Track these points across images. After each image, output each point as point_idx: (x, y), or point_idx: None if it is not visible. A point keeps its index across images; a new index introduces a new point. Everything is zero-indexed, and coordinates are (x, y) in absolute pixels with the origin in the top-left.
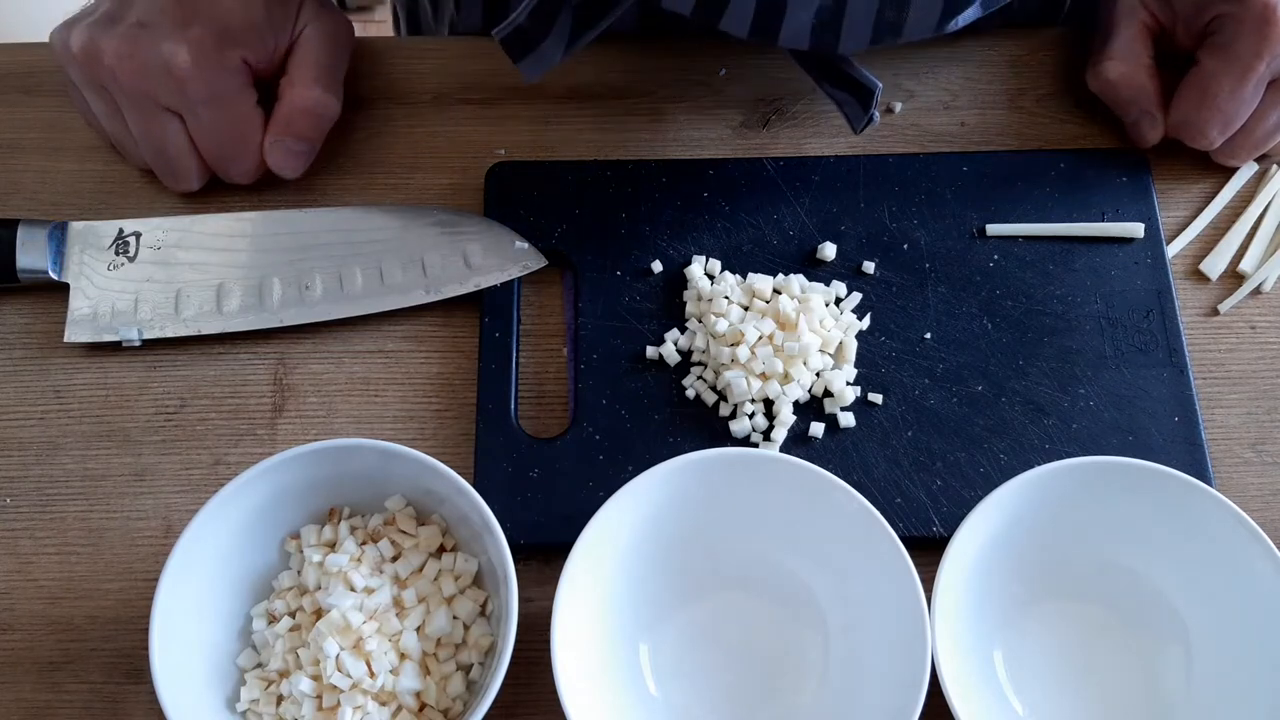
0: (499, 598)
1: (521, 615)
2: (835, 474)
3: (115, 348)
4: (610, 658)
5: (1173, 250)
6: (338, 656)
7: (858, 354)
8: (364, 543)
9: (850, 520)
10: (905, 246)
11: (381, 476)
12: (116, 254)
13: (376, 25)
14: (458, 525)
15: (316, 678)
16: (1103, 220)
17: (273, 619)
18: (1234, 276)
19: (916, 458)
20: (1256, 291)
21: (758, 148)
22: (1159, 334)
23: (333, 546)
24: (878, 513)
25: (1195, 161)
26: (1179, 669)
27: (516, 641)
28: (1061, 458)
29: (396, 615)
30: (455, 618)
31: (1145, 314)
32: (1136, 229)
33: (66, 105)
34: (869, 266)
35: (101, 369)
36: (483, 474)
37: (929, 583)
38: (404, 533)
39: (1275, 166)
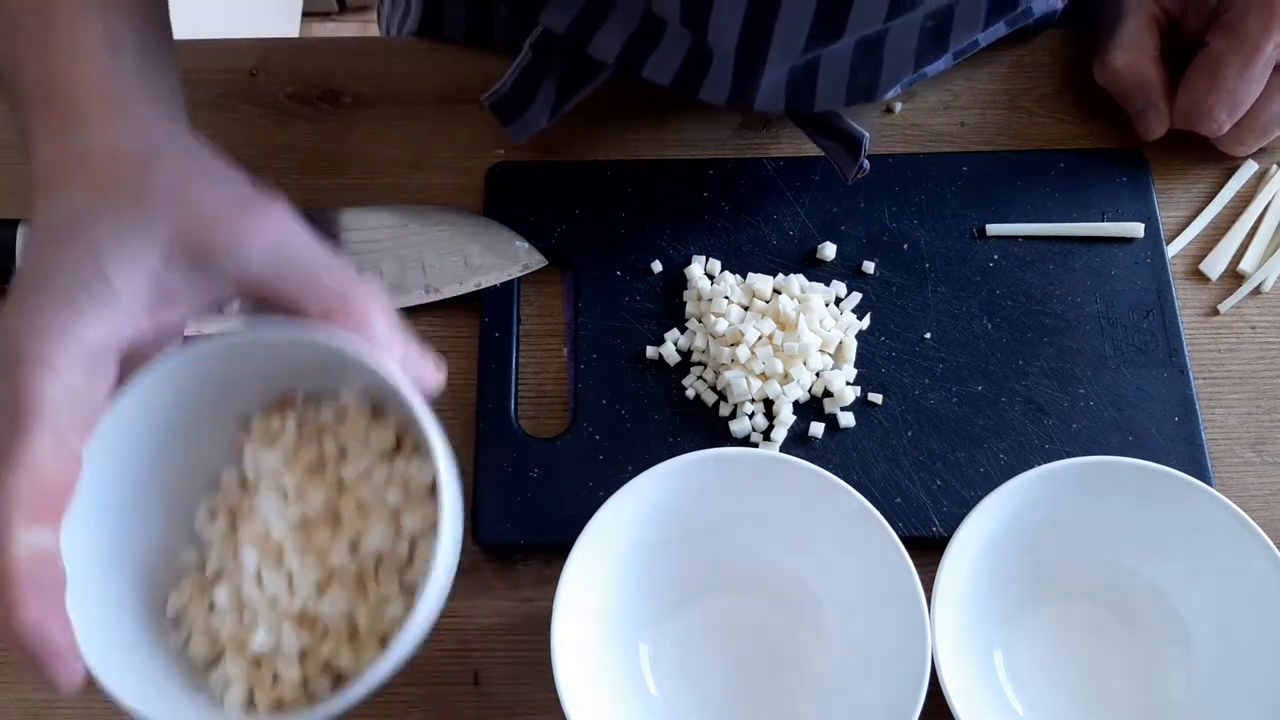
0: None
1: (521, 615)
2: (835, 474)
3: None
4: (610, 658)
5: (1173, 250)
6: (257, 570)
7: (858, 354)
8: (311, 437)
9: (850, 520)
10: (905, 246)
11: (339, 367)
12: None
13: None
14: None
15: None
16: (1102, 220)
17: (213, 516)
18: (1234, 276)
19: (916, 457)
20: (1256, 291)
21: (758, 148)
22: (1159, 334)
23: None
24: (877, 513)
25: (1195, 161)
26: (1179, 669)
27: (516, 642)
28: (1061, 458)
29: (331, 526)
30: (400, 534)
31: (1145, 314)
32: (1136, 229)
33: None
34: (869, 266)
35: None
36: (483, 474)
37: (929, 583)
38: (354, 431)
39: (1275, 166)
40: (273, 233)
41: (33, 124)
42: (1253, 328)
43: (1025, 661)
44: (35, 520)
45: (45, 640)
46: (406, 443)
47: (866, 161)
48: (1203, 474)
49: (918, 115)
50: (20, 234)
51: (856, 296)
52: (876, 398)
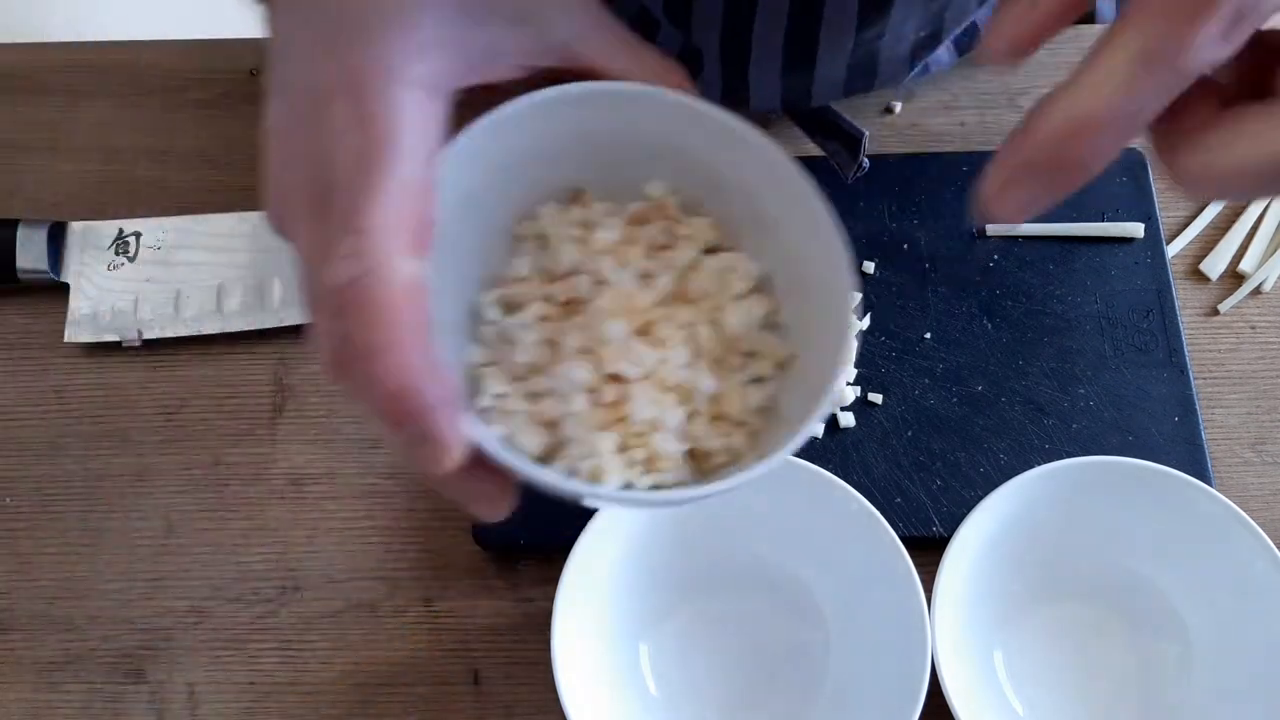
0: (807, 297)
1: (522, 615)
2: (835, 474)
3: (115, 348)
4: (610, 658)
5: (1173, 250)
6: (627, 341)
7: (858, 354)
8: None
9: (850, 520)
10: (905, 246)
11: (636, 153)
12: (116, 254)
13: None
14: (741, 222)
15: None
16: (1103, 220)
17: (513, 308)
18: (1234, 276)
19: (916, 458)
20: (1256, 291)
21: None
22: (1159, 334)
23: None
24: (878, 513)
25: None
26: (1178, 669)
27: (516, 642)
28: (1061, 458)
29: (682, 305)
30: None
31: (1145, 314)
32: (1136, 229)
33: (67, 105)
34: (869, 266)
35: (101, 369)
36: None
37: (929, 583)
38: (674, 220)
39: None
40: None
41: None
42: (1253, 328)
43: (1025, 661)
44: (409, 251)
45: (431, 385)
46: (724, 241)
47: (866, 160)
48: (1203, 474)
49: (917, 115)
50: (21, 233)
51: (856, 296)
52: (876, 398)
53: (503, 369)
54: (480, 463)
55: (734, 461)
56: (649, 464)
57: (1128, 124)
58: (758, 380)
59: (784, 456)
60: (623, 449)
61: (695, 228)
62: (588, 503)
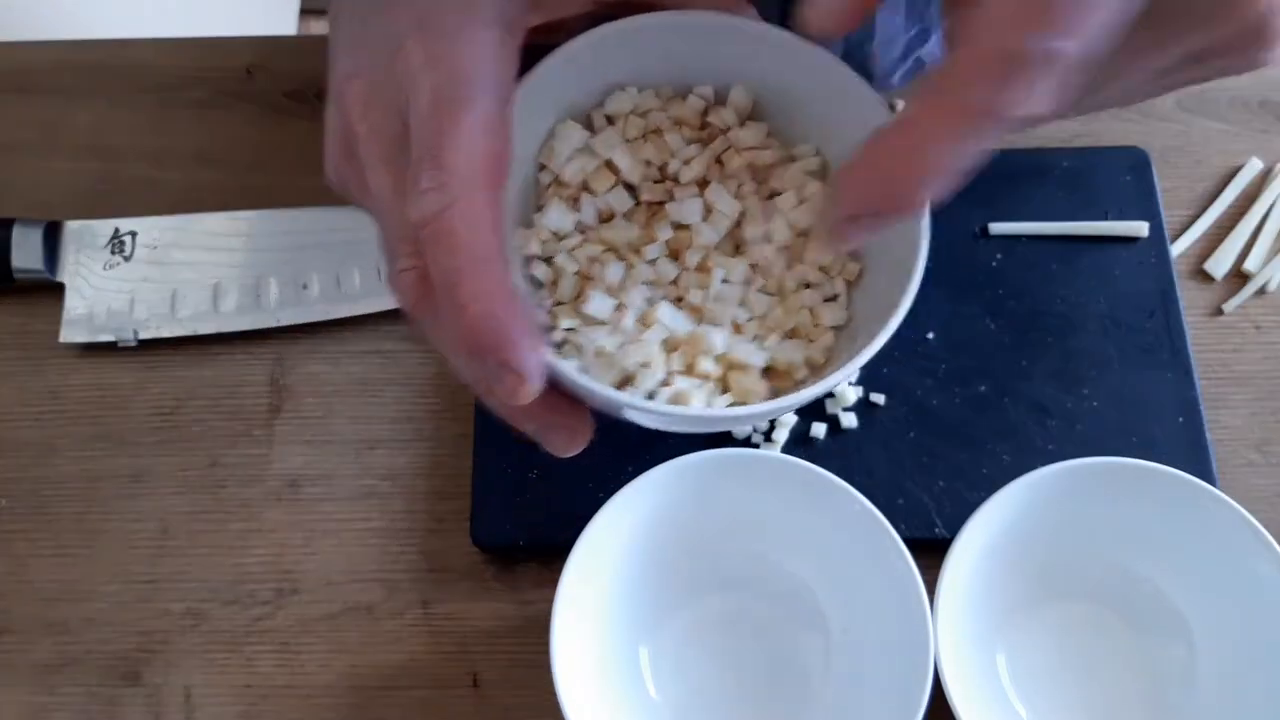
0: None
1: (521, 617)
2: (837, 475)
3: (111, 348)
4: (610, 659)
5: (1177, 250)
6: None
7: None
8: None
9: (852, 522)
10: None
11: (708, 77)
12: (112, 254)
13: None
14: (809, 140)
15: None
16: (1106, 219)
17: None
18: (1238, 276)
19: (919, 459)
20: (1261, 291)
21: None
22: (1163, 334)
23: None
24: (880, 514)
25: (1200, 160)
26: (1183, 671)
27: (515, 645)
28: (1065, 459)
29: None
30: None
31: (1149, 314)
32: (1140, 228)
33: (61, 104)
34: None
35: (97, 370)
36: (482, 475)
37: (931, 585)
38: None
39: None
40: None
41: None
42: (1257, 328)
43: (1028, 664)
44: (488, 185)
45: (512, 315)
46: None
47: None
48: (1207, 475)
49: None
50: (16, 233)
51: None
52: (879, 398)
53: (566, 305)
54: (557, 394)
55: (814, 376)
56: (724, 384)
57: (951, 167)
58: (831, 299)
59: (854, 368)
60: (693, 371)
61: (751, 131)
62: (670, 426)
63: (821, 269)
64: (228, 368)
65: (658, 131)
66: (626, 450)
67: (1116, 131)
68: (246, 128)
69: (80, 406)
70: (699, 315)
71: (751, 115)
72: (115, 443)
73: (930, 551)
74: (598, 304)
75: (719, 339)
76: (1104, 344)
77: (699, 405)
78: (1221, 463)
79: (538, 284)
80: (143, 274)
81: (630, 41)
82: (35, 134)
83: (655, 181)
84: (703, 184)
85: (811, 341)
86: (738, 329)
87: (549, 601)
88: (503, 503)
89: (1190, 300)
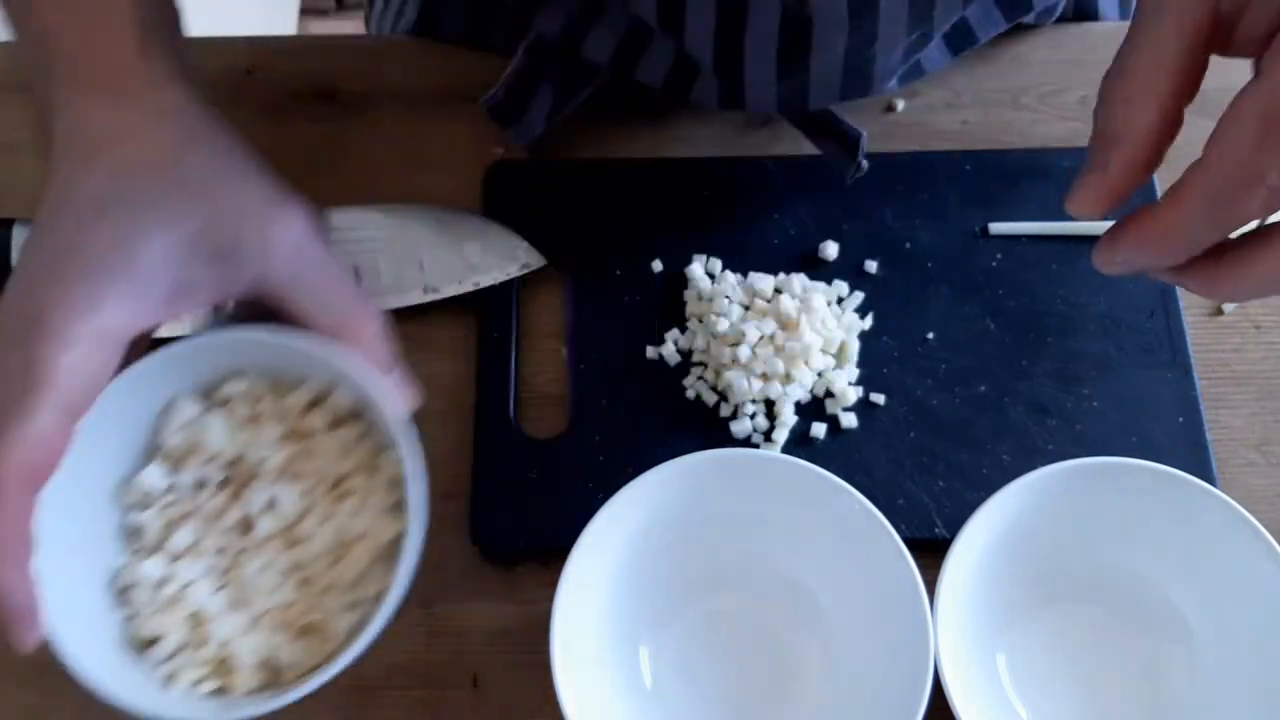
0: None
1: (521, 617)
2: (837, 475)
3: None
4: (610, 659)
5: None
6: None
7: (860, 354)
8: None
9: (852, 522)
10: (907, 246)
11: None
12: None
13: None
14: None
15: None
16: (1106, 219)
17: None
18: None
19: (919, 459)
20: None
21: (758, 147)
22: (1163, 334)
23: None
24: (880, 514)
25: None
26: (1182, 671)
27: (515, 645)
28: (1065, 459)
29: (291, 531)
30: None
31: (1149, 314)
32: None
33: None
34: (871, 266)
35: None
36: (482, 475)
37: (931, 585)
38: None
39: None
40: (296, 234)
41: (58, 91)
42: (1257, 327)
43: (1028, 664)
44: (24, 489)
45: (11, 598)
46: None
47: (865, 161)
48: (1207, 475)
49: (920, 114)
50: (16, 233)
51: (859, 296)
52: (879, 398)
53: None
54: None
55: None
56: (222, 670)
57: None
58: (355, 607)
59: (325, 678)
60: (200, 652)
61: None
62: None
63: (357, 580)
64: None
65: (259, 418)
66: (626, 450)
67: None
68: (245, 128)
69: None
70: (238, 596)
71: (353, 416)
72: None
73: (930, 551)
74: (149, 566)
75: (228, 627)
76: (1104, 344)
77: (186, 683)
78: (1221, 462)
79: (131, 531)
80: None
81: (238, 347)
82: (35, 134)
83: (246, 465)
84: (283, 475)
85: (326, 643)
86: (261, 617)
87: (549, 601)
88: (502, 503)
89: (1190, 300)
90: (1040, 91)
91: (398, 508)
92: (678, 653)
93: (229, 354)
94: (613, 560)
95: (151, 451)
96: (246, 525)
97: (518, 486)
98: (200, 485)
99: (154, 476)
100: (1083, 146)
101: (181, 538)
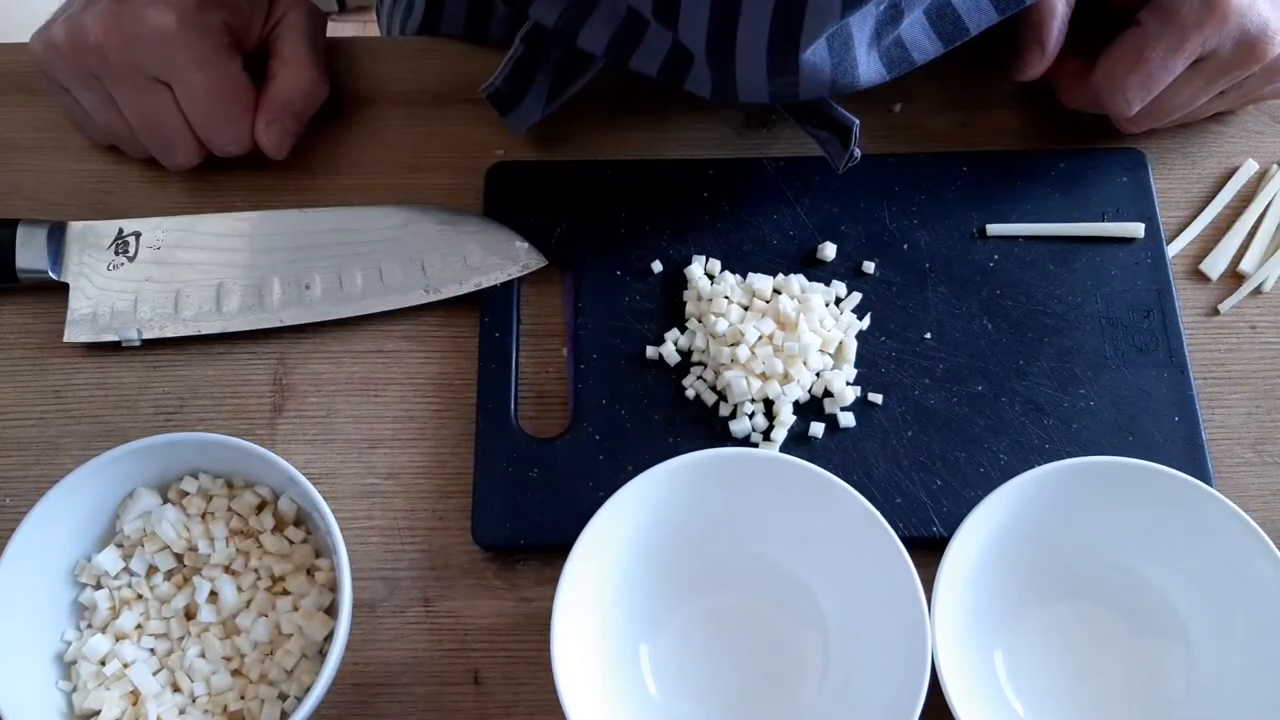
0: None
1: (521, 615)
2: (835, 474)
3: (115, 348)
4: (610, 658)
5: (1173, 250)
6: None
7: (858, 354)
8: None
9: (850, 520)
10: (905, 246)
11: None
12: (116, 254)
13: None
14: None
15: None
16: (1103, 220)
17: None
18: (1234, 276)
19: (916, 458)
20: (1257, 291)
21: (758, 148)
22: (1159, 334)
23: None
24: (878, 513)
25: (1196, 161)
26: (1179, 669)
27: (516, 642)
28: (1061, 458)
29: (228, 624)
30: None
31: (1145, 314)
32: (1137, 229)
33: None
34: (869, 266)
35: (101, 369)
36: (483, 474)
37: (929, 583)
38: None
39: (1275, 166)
40: None
41: None
42: (1253, 328)
43: (1025, 662)
44: None
45: None
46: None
47: (858, 150)
48: (1203, 474)
49: (918, 115)
50: (20, 233)
51: (857, 296)
52: (877, 398)
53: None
54: None
55: None
56: None
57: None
58: (284, 698)
59: None
60: None
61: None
62: None
63: (287, 673)
64: (230, 367)
65: (211, 514)
66: (626, 450)
67: (1114, 133)
68: None
69: (84, 405)
70: (176, 679)
71: (296, 523)
72: (118, 441)
73: (928, 550)
74: (96, 643)
75: (164, 707)
76: (1100, 344)
77: None
78: (1217, 461)
79: (84, 608)
80: (146, 274)
81: (201, 448)
82: (40, 134)
83: (195, 556)
84: (228, 569)
85: None
86: (196, 699)
87: (549, 599)
88: (504, 501)
89: (1186, 300)
90: (1037, 93)
91: (332, 609)
92: (677, 650)
93: (192, 453)
94: (613, 558)
95: (110, 535)
96: (190, 612)
97: (519, 485)
98: (151, 571)
99: (109, 559)
100: (1080, 148)
101: (128, 619)
